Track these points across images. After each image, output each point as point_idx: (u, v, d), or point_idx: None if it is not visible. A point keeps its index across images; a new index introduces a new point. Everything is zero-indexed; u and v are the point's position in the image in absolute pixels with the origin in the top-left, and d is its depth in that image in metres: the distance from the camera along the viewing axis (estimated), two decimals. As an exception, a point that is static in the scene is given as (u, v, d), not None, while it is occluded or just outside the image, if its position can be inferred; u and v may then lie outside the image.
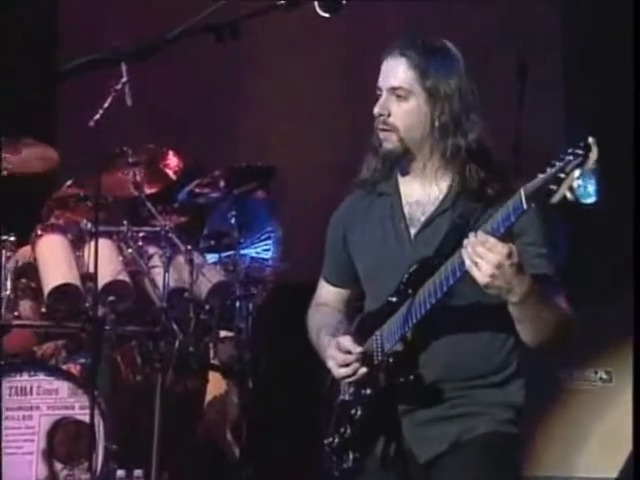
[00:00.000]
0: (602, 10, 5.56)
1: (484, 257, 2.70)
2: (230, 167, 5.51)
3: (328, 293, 3.34)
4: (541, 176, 2.62)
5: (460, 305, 2.97)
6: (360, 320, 3.20)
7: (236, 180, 5.47)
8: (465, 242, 2.74)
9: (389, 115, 3.03)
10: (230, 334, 5.36)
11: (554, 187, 2.59)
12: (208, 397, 5.30)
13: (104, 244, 4.83)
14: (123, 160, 5.20)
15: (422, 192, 3.09)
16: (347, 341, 3.04)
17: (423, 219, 3.06)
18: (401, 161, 3.08)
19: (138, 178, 5.22)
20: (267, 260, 5.80)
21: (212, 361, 5.28)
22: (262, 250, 5.80)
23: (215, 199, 5.58)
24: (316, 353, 3.22)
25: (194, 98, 6.55)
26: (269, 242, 5.82)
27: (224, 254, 5.56)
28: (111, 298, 4.91)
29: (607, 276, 5.20)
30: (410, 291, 2.95)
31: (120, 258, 5.06)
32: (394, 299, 3.01)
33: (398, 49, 3.03)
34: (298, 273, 5.33)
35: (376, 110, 3.05)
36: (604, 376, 4.97)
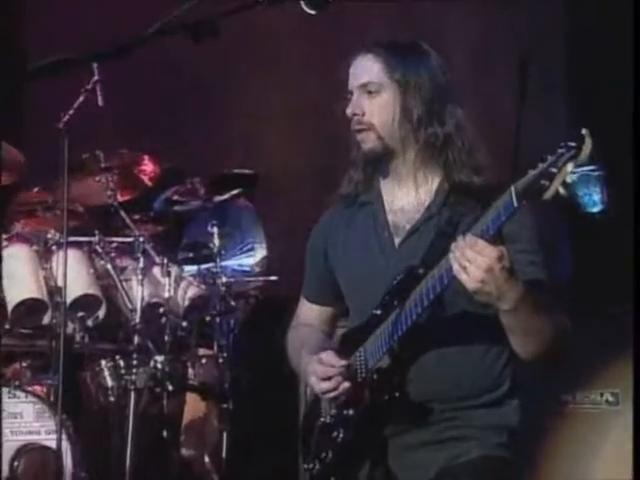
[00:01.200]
0: (604, 9, 5.52)
1: (473, 261, 2.62)
2: (211, 173, 5.45)
3: (309, 311, 3.30)
4: (532, 172, 2.55)
5: (449, 317, 2.90)
6: (343, 335, 3.14)
7: (217, 187, 5.39)
8: (453, 245, 2.68)
9: (363, 114, 3.01)
10: (210, 352, 5.23)
11: (546, 183, 2.51)
12: (185, 420, 5.18)
13: (74, 255, 4.76)
14: (95, 165, 5.08)
15: (406, 198, 3.04)
16: (329, 355, 2.99)
17: (408, 227, 3.01)
18: (382, 162, 3.05)
19: (111, 184, 5.11)
20: (250, 272, 5.70)
21: (190, 381, 5.14)
22: (245, 262, 5.71)
23: (194, 207, 5.48)
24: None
25: (173, 101, 6.48)
26: (252, 253, 5.71)
27: (203, 266, 5.43)
28: (81, 314, 4.81)
29: (613, 289, 5.04)
30: (395, 302, 2.88)
31: (91, 271, 4.96)
32: (379, 312, 2.94)
33: (364, 48, 3.05)
34: (284, 286, 5.25)
35: (349, 110, 3.02)
36: (610, 398, 4.84)
